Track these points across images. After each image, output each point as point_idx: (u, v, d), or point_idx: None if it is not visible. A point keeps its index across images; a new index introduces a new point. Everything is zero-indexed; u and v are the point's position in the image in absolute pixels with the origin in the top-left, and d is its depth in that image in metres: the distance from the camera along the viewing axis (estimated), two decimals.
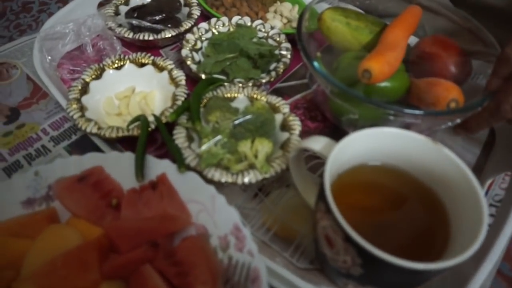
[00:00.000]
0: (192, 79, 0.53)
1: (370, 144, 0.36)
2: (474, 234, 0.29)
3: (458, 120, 0.41)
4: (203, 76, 0.51)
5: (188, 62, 0.53)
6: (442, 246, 0.32)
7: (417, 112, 0.38)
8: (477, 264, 0.36)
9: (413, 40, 0.52)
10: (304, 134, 0.51)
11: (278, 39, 0.58)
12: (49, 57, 0.56)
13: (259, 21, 0.60)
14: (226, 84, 0.49)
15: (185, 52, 0.54)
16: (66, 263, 0.33)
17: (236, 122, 0.43)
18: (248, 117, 0.43)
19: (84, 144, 0.49)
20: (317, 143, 0.35)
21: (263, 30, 0.59)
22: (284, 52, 0.55)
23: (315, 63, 0.42)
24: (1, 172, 0.46)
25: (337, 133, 0.51)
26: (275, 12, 0.66)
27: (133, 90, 0.52)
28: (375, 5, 0.56)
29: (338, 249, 0.30)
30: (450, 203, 0.34)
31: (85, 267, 0.33)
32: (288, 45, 0.56)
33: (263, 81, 0.51)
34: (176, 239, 0.38)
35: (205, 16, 0.64)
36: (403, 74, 0.46)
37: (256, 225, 0.42)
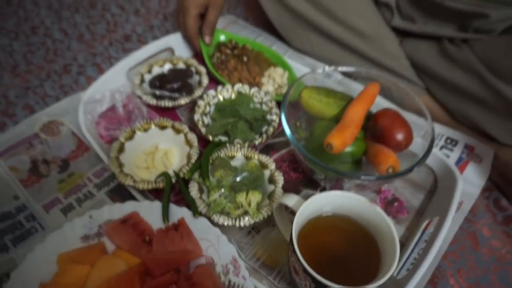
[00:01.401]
0: (203, 138, 0.69)
1: (328, 201, 0.51)
2: (391, 265, 0.44)
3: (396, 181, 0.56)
4: (210, 138, 0.67)
5: (199, 125, 0.68)
6: (375, 273, 0.47)
7: (359, 177, 0.53)
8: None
9: (380, 101, 0.67)
10: (288, 183, 0.67)
11: (270, 105, 0.73)
12: (90, 117, 0.72)
13: (255, 89, 0.75)
14: (227, 145, 0.64)
15: (197, 116, 0.70)
16: (118, 284, 0.48)
17: (235, 178, 0.58)
18: (244, 174, 0.59)
19: (121, 190, 0.64)
20: (291, 200, 0.50)
21: (258, 96, 0.75)
22: (274, 117, 0.71)
23: (290, 135, 0.57)
24: (59, 212, 0.61)
25: (312, 183, 0.66)
26: (269, 76, 0.81)
27: (156, 147, 0.68)
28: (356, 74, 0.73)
29: (301, 277, 0.45)
30: (381, 242, 0.49)
31: (131, 287, 0.48)
32: (277, 110, 0.72)
33: (256, 142, 0.67)
34: (192, 267, 0.53)
35: (213, 79, 0.80)
36: (361, 141, 0.61)
37: (249, 255, 0.58)
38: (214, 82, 0.81)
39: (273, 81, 0.80)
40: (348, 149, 0.60)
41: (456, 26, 0.77)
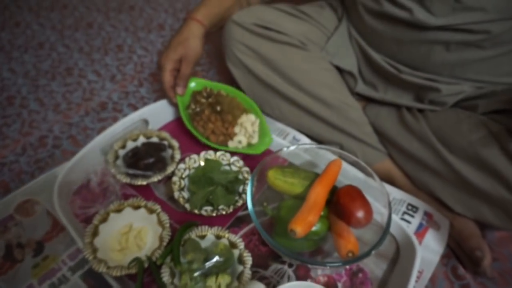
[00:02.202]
0: (179, 213, 0.72)
1: None
2: None
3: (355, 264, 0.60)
4: (197, 212, 0.70)
5: (182, 202, 0.71)
6: None
7: (324, 264, 0.56)
8: None
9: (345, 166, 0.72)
10: (258, 257, 0.70)
11: (238, 164, 0.78)
12: (65, 197, 0.73)
13: (221, 152, 0.80)
14: (198, 226, 0.67)
15: (176, 194, 0.73)
16: None
17: (206, 264, 0.61)
18: (214, 259, 0.61)
19: (95, 273, 0.66)
20: None
21: (225, 158, 0.79)
22: (245, 175, 0.76)
23: (256, 220, 0.61)
24: None
25: (281, 258, 0.69)
26: (241, 125, 0.85)
27: (130, 226, 0.70)
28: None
29: None
30: None
31: None
32: (247, 168, 0.77)
33: (239, 204, 0.71)
34: None
35: (187, 146, 0.83)
36: (325, 220, 0.65)
37: None
38: (189, 150, 0.84)
39: (245, 130, 0.84)
40: (313, 228, 0.63)
41: (413, 96, 0.83)
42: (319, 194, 0.65)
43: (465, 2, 0.68)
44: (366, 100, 0.95)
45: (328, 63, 0.89)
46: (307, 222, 0.60)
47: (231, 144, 0.83)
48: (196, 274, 0.60)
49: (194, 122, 0.85)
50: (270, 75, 0.88)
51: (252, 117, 0.87)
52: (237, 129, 0.85)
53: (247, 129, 0.85)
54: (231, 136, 0.84)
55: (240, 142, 0.81)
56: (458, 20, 0.69)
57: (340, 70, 0.92)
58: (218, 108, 0.87)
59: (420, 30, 0.75)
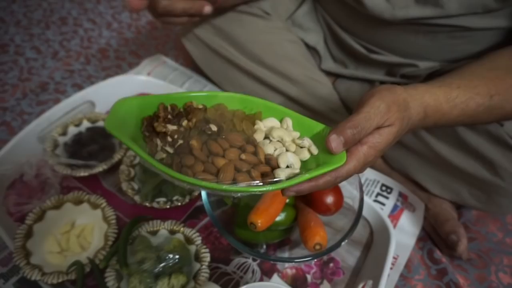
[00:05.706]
0: (131, 206, 0.65)
1: None
2: None
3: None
4: (148, 205, 0.62)
5: (131, 194, 0.63)
6: None
7: (284, 260, 0.50)
8: None
9: None
10: (218, 251, 0.63)
11: None
12: None
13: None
14: (150, 221, 0.59)
15: (124, 185, 0.64)
16: None
17: (157, 266, 0.54)
18: (165, 260, 0.54)
19: (32, 280, 0.57)
20: None
21: None
22: None
23: (211, 212, 0.54)
24: None
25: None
26: (272, 140, 0.45)
27: (72, 224, 0.61)
28: None
29: None
30: None
31: None
32: None
33: (196, 193, 0.64)
34: None
35: None
36: (290, 208, 0.59)
37: None
38: None
39: (282, 143, 0.44)
40: (277, 218, 0.57)
41: (386, 71, 0.76)
42: None
43: None
44: (335, 75, 0.87)
45: (293, 34, 0.81)
46: (268, 213, 0.53)
47: (282, 174, 0.40)
48: (146, 275, 0.53)
49: (184, 169, 0.39)
50: (228, 49, 0.79)
51: (273, 120, 0.47)
52: (268, 149, 0.43)
53: (285, 140, 0.44)
54: (271, 162, 0.41)
55: (289, 166, 0.41)
56: (419, 14, 0.61)
57: (307, 45, 0.84)
58: (213, 128, 0.43)
59: (381, 21, 0.67)
